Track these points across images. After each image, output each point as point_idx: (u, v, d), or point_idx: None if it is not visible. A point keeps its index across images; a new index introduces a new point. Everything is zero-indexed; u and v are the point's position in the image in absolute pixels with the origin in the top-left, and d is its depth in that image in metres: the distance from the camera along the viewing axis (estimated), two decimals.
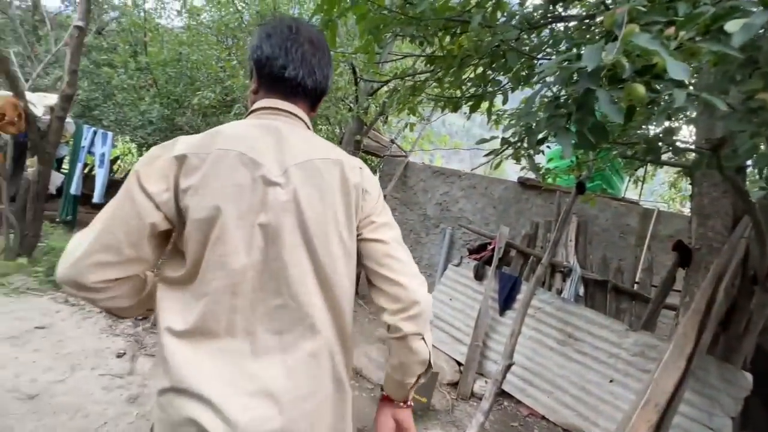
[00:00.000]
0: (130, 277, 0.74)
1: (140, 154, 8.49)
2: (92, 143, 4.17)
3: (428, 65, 1.95)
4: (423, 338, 0.78)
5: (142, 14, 5.53)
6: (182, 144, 0.73)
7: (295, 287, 0.73)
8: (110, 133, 4.23)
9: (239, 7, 5.30)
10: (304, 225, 0.73)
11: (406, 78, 2.20)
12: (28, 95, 3.92)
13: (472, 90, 1.98)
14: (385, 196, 4.51)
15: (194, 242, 0.71)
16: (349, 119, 4.87)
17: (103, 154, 4.17)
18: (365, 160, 7.28)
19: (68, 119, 4.12)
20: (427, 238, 5.12)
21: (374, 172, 5.87)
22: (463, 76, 1.87)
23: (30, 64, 5.90)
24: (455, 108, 2.07)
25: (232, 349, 0.71)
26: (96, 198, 4.36)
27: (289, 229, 0.73)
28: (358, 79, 4.73)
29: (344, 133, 5.34)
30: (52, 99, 4.08)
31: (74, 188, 4.24)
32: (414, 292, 0.76)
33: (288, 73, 0.80)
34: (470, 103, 1.94)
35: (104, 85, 5.38)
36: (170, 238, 0.77)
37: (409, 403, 0.90)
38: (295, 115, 0.83)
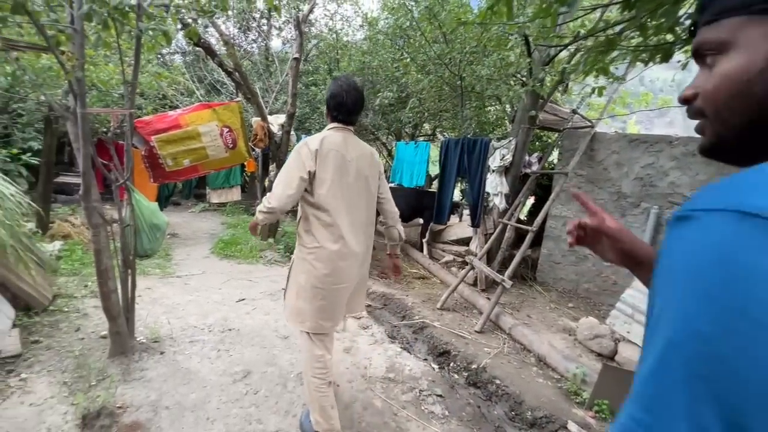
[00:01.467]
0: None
1: None
2: None
3: (626, 11, 1.66)
4: (396, 228, 2.01)
5: (334, 36, 6.66)
6: (313, 143, 1.68)
7: (358, 200, 1.78)
8: None
9: (409, 7, 5.69)
10: (361, 176, 1.77)
11: (597, 33, 1.93)
12: (269, 118, 5.31)
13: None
14: (566, 174, 4.03)
15: (319, 186, 1.69)
16: (522, 95, 4.59)
17: None
18: (540, 137, 6.68)
19: (291, 132, 5.33)
20: (623, 220, 4.35)
21: (553, 149, 5.32)
22: (680, 12, 1.51)
23: (267, 94, 7.95)
24: (666, 57, 1.70)
25: (341, 223, 1.73)
26: None
27: (355, 178, 1.75)
28: (532, 50, 4.39)
29: (516, 111, 5.06)
30: (281, 118, 5.39)
31: None
32: (395, 213, 1.99)
33: (348, 108, 1.74)
34: (688, 47, 1.56)
35: (311, 101, 6.75)
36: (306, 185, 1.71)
37: (397, 254, 2.13)
38: (351, 130, 1.79)
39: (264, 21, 8.70)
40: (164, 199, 5.34)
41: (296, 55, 4.74)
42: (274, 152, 5.25)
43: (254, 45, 9.29)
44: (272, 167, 5.51)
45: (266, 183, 5.84)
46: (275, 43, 9.40)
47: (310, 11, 4.72)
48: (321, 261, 1.71)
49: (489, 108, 5.84)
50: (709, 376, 0.30)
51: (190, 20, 2.75)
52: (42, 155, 5.16)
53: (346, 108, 1.72)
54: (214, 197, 5.54)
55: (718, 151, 0.47)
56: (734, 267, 0.30)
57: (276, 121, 5.31)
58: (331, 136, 1.71)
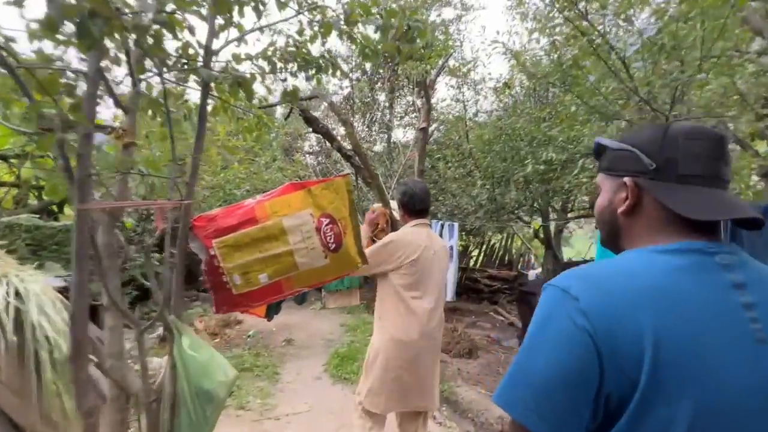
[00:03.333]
0: None
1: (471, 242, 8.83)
2: (441, 237, 4.26)
3: None
4: None
5: (461, 106, 5.94)
6: (397, 244, 2.03)
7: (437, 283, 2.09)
8: (456, 224, 4.19)
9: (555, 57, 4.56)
10: (440, 263, 2.10)
11: None
12: (392, 203, 4.42)
13: None
14: None
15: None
16: None
17: (451, 247, 4.14)
18: None
19: None
20: None
21: None
22: None
23: (389, 180, 7.47)
24: None
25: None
26: (449, 296, 4.31)
27: (436, 264, 2.07)
28: None
29: None
30: None
31: None
32: None
33: (425, 207, 2.14)
34: None
35: (439, 180, 5.88)
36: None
37: None
38: (429, 225, 2.19)
39: (387, 111, 8.68)
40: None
41: (423, 125, 3.89)
42: None
43: (376, 136, 9.28)
44: None
45: None
46: (397, 134, 9.30)
47: (439, 74, 3.93)
48: None
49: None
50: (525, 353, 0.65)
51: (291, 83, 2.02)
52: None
53: (423, 204, 2.12)
54: (330, 302, 4.68)
55: (603, 242, 0.81)
56: (545, 307, 0.64)
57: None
58: (414, 233, 2.06)
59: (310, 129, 4.16)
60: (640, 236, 0.69)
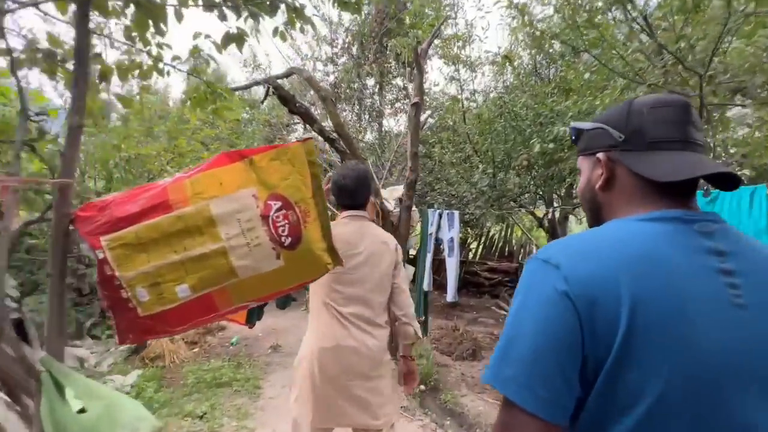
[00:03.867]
0: None
1: (469, 234, 8.38)
2: (439, 228, 3.76)
3: None
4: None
5: (456, 88, 5.44)
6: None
7: (373, 286, 1.73)
8: (456, 212, 3.70)
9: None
10: (378, 264, 1.71)
11: None
12: (381, 192, 3.93)
13: None
14: None
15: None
16: None
17: (452, 239, 3.65)
18: None
19: (414, 207, 3.80)
20: None
21: None
22: None
23: (380, 170, 6.97)
24: None
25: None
26: (449, 297, 3.82)
27: (370, 266, 1.69)
28: None
29: None
30: (398, 190, 3.96)
31: (426, 284, 3.87)
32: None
33: (358, 201, 1.76)
34: None
35: (435, 166, 5.39)
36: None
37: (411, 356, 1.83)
38: (365, 218, 1.77)
39: (377, 97, 8.15)
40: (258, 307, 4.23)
41: (416, 100, 3.39)
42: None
43: (366, 125, 8.76)
44: None
45: None
46: (389, 123, 8.77)
47: (431, 42, 3.42)
48: None
49: None
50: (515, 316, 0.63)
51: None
52: None
53: (349, 193, 1.73)
54: None
55: (589, 222, 0.79)
56: (527, 279, 0.63)
57: (391, 195, 3.89)
58: (346, 228, 1.71)
59: (293, 114, 3.65)
60: (620, 209, 0.69)
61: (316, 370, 1.59)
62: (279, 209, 1.11)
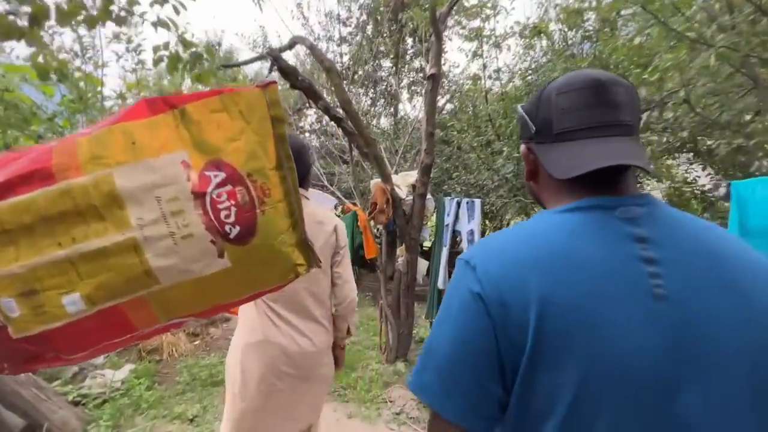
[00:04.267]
0: None
1: (487, 226, 7.94)
2: (456, 218, 3.34)
3: None
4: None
5: (480, 63, 4.96)
6: None
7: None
8: (477, 201, 3.27)
9: None
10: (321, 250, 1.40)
11: None
12: (393, 178, 3.54)
13: None
14: None
15: None
16: None
17: (471, 232, 3.21)
18: None
19: (428, 195, 3.40)
20: None
21: None
22: None
23: (394, 157, 6.56)
24: None
25: None
26: None
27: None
28: None
29: None
30: (411, 176, 3.57)
31: (441, 281, 3.47)
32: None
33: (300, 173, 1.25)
34: None
35: (452, 152, 4.95)
36: None
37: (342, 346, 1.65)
38: (305, 198, 1.38)
39: (392, 80, 7.70)
40: None
41: (433, 71, 2.97)
42: (402, 228, 3.35)
43: (381, 110, 8.33)
44: (400, 250, 3.58)
45: (395, 273, 3.88)
46: (405, 108, 8.30)
47: (452, 7, 2.98)
48: None
49: None
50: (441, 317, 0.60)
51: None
52: None
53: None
54: None
55: (537, 203, 0.73)
56: (452, 281, 0.60)
57: (404, 182, 3.49)
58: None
59: (295, 89, 3.29)
60: (549, 201, 0.66)
61: (239, 370, 1.42)
62: (222, 184, 0.74)
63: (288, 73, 3.08)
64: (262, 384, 1.40)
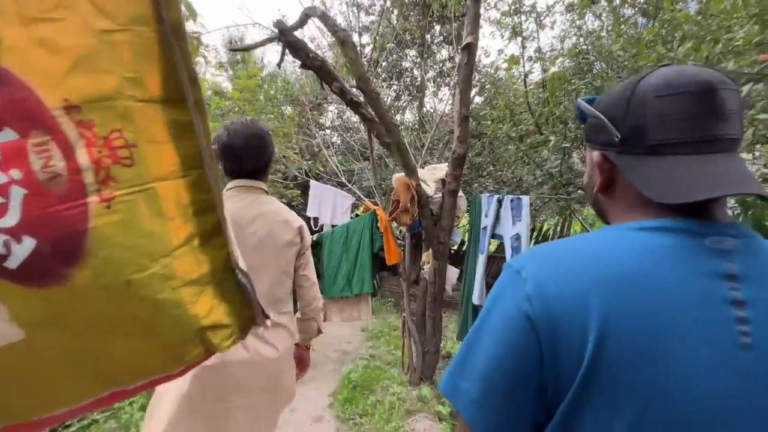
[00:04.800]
0: None
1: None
2: (497, 219, 2.77)
3: None
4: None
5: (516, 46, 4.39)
6: None
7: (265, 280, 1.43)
8: (525, 198, 2.69)
9: None
10: (270, 249, 1.41)
11: None
12: (419, 172, 3.05)
13: None
14: None
15: None
16: None
17: (517, 237, 2.60)
18: None
19: (460, 192, 2.89)
20: None
21: None
22: None
23: (419, 153, 6.08)
24: None
25: None
26: None
27: (262, 251, 1.39)
28: None
29: None
30: (441, 170, 3.06)
31: (476, 296, 2.89)
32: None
33: (252, 165, 1.41)
34: None
35: (484, 147, 4.40)
36: None
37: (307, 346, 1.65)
38: (259, 189, 1.42)
39: (417, 72, 7.21)
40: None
41: (468, 40, 2.46)
42: (429, 230, 2.86)
43: (406, 104, 7.85)
44: (426, 256, 3.08)
45: (421, 278, 3.38)
46: (432, 102, 7.78)
47: None
48: None
49: None
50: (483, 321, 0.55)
51: None
52: None
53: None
54: (334, 313, 3.43)
55: (599, 217, 0.66)
56: (498, 287, 0.55)
57: (432, 176, 2.99)
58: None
59: (306, 68, 2.87)
60: (620, 215, 0.58)
61: (192, 386, 1.24)
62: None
63: (297, 48, 2.66)
64: (219, 402, 1.27)
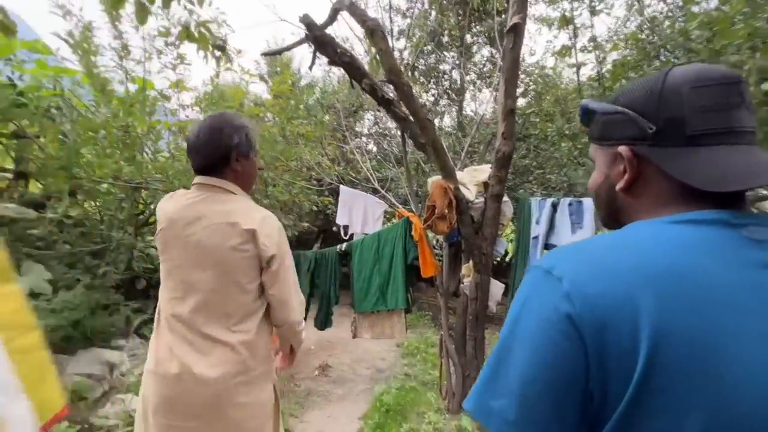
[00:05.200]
0: None
1: None
2: (551, 227, 2.38)
3: None
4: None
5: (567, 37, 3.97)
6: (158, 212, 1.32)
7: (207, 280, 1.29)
8: (587, 201, 2.28)
9: None
10: (214, 250, 1.26)
11: None
12: (458, 174, 2.75)
13: None
14: None
15: None
16: None
17: None
18: None
19: (505, 197, 2.55)
20: None
21: None
22: None
23: (457, 158, 5.74)
24: None
25: None
26: None
27: (205, 252, 1.25)
28: None
29: None
30: (483, 172, 2.73)
31: None
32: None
33: (208, 161, 1.28)
34: None
35: (530, 149, 3.98)
36: None
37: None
38: (216, 187, 1.27)
39: (456, 74, 6.91)
40: (326, 310, 3.18)
41: (516, 20, 2.14)
42: (470, 239, 2.53)
43: (444, 108, 7.55)
44: (466, 268, 2.75)
45: (461, 293, 3.04)
46: (472, 106, 7.43)
47: None
48: None
49: None
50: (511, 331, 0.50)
51: None
52: None
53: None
54: (364, 330, 3.15)
55: (604, 223, 0.65)
56: (525, 290, 0.51)
57: (472, 179, 2.68)
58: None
59: (334, 65, 2.71)
60: (646, 211, 0.55)
61: (141, 396, 1.23)
62: None
63: (324, 43, 2.48)
64: (157, 417, 1.18)
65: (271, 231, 1.24)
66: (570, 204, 2.33)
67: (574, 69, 3.71)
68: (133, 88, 3.61)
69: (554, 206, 2.41)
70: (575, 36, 3.67)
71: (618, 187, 0.57)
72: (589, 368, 0.43)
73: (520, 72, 6.06)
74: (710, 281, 0.43)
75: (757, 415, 0.39)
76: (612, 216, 0.61)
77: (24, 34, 3.16)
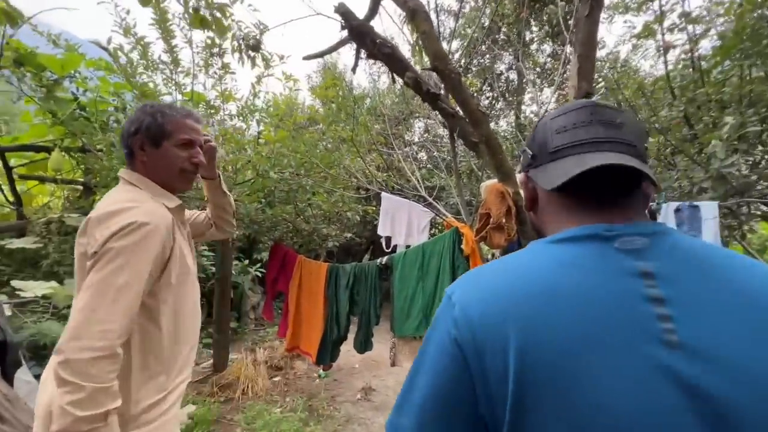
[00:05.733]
0: None
1: None
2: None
3: None
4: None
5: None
6: (154, 232, 1.03)
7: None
8: (708, 205, 1.69)
9: None
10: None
11: None
12: (518, 177, 2.32)
13: None
14: None
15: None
16: None
17: None
18: None
19: None
20: None
21: None
22: None
23: (517, 163, 5.22)
24: None
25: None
26: None
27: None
28: None
29: None
30: None
31: None
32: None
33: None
34: None
35: None
36: None
37: None
38: (128, 183, 1.12)
39: (513, 75, 6.39)
40: (365, 330, 2.85)
41: None
42: None
43: (500, 112, 7.03)
44: None
45: None
46: (531, 108, 6.83)
47: None
48: None
49: None
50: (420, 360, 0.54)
51: None
52: (217, 270, 4.11)
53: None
54: (405, 356, 2.77)
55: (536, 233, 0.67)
56: (436, 314, 0.53)
57: None
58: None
59: (373, 58, 2.49)
60: (549, 230, 0.61)
61: None
62: None
63: (362, 34, 2.24)
64: None
65: (111, 224, 0.94)
66: (678, 210, 1.78)
67: (653, 59, 3.09)
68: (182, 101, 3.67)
69: (678, 210, 1.80)
70: (662, 13, 3.07)
71: (526, 208, 0.67)
72: (476, 392, 0.45)
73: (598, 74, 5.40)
74: (579, 296, 0.44)
75: (626, 426, 0.39)
76: (539, 237, 0.62)
77: (84, 51, 3.34)
